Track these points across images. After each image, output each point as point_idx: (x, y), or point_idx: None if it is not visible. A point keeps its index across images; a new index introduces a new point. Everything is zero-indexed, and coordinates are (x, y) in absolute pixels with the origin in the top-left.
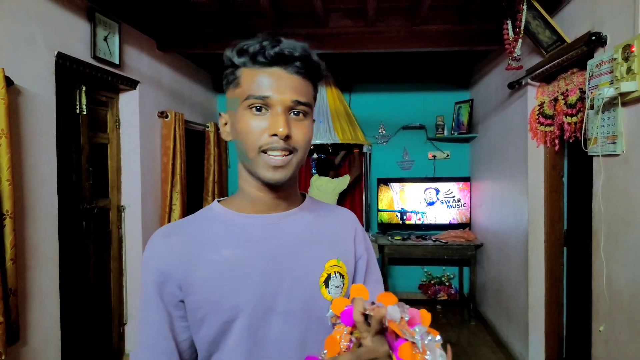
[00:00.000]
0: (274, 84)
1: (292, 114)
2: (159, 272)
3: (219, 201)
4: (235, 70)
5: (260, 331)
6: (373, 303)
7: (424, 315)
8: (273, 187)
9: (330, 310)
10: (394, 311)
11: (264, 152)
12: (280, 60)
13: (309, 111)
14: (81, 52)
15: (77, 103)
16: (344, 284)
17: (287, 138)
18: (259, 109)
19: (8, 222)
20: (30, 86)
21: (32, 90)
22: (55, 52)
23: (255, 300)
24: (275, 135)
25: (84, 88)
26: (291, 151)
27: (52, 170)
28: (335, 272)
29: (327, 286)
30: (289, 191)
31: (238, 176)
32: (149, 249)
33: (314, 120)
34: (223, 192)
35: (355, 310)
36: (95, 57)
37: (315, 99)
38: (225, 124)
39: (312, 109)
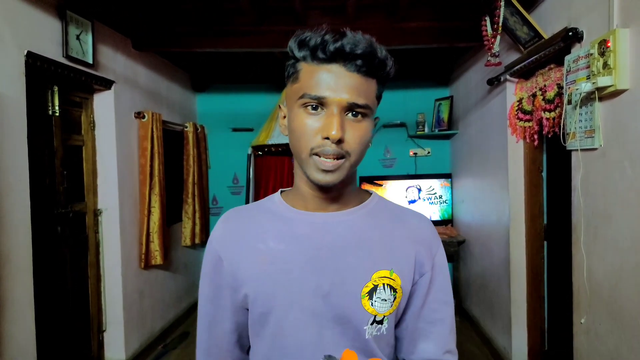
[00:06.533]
0: (332, 82)
1: (349, 114)
2: (215, 253)
3: (282, 191)
4: (295, 63)
5: (295, 330)
6: None
7: None
8: (324, 188)
9: None
10: None
11: (316, 154)
12: (341, 56)
13: (369, 112)
14: (52, 51)
15: (50, 104)
16: (395, 298)
17: (339, 142)
18: (314, 108)
19: None
20: None
21: (1, 91)
22: (25, 52)
23: (291, 298)
24: (327, 138)
25: (56, 89)
26: (343, 155)
27: (24, 174)
28: (384, 284)
29: (370, 297)
30: (341, 192)
31: (295, 171)
32: (214, 229)
33: (376, 118)
34: (204, 193)
35: None
36: (68, 57)
37: (379, 97)
38: (284, 117)
39: (374, 109)
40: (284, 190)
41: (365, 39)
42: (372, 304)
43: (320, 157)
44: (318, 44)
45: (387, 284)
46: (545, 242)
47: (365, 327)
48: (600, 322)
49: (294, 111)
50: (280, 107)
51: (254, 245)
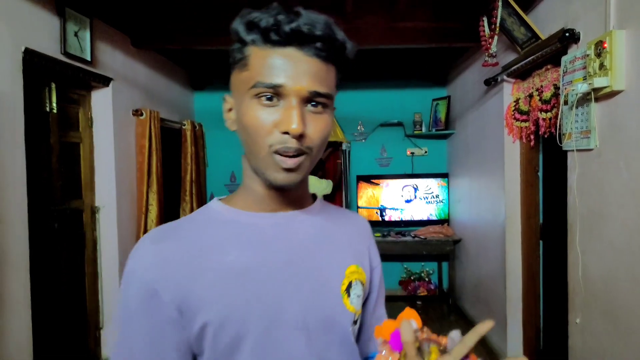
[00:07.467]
0: (289, 69)
1: (309, 105)
2: (146, 287)
3: (219, 199)
4: (242, 47)
5: (275, 351)
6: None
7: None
8: (283, 187)
9: (379, 338)
10: (457, 337)
11: (276, 152)
12: (297, 39)
13: (330, 103)
14: (50, 48)
15: (47, 101)
16: (362, 293)
17: (300, 137)
18: (269, 98)
19: None
20: None
21: None
22: (23, 48)
23: (269, 313)
24: (287, 133)
25: (53, 85)
26: (304, 152)
27: (22, 171)
28: (356, 279)
29: (349, 295)
30: (301, 190)
31: (242, 170)
32: (135, 257)
33: (334, 109)
34: (201, 191)
35: (405, 331)
36: (66, 54)
37: (338, 86)
38: (230, 109)
39: (333, 98)
40: (222, 198)
41: (323, 19)
42: (351, 301)
43: (280, 155)
44: (270, 24)
45: (358, 279)
46: (540, 242)
47: (350, 329)
48: (595, 321)
49: (245, 103)
50: (225, 99)
51: (208, 261)
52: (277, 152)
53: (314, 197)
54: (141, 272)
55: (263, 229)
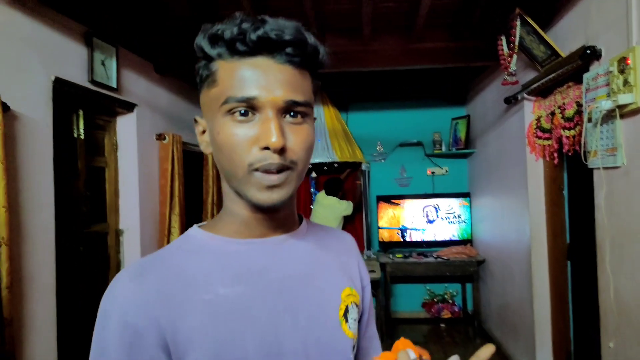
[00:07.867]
0: (261, 79)
1: (287, 116)
2: (127, 328)
3: (199, 226)
4: (209, 63)
5: None
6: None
7: None
8: (270, 208)
9: None
10: None
11: (256, 170)
12: (266, 46)
13: (309, 112)
14: (78, 76)
15: (75, 127)
16: (358, 316)
17: (282, 151)
18: (244, 113)
19: (4, 250)
20: (27, 111)
21: (29, 115)
22: (53, 77)
23: (267, 348)
24: (267, 148)
25: (81, 112)
26: (288, 167)
27: (50, 195)
28: (351, 302)
29: (346, 320)
30: (289, 211)
31: (223, 194)
32: (111, 296)
33: (314, 119)
34: None
35: None
36: (93, 81)
37: (316, 92)
38: (203, 131)
39: (313, 107)
40: (202, 225)
41: (291, 24)
42: (349, 327)
43: (261, 172)
44: (235, 34)
45: (353, 302)
46: (568, 262)
47: (351, 355)
48: (629, 345)
49: (218, 122)
50: (196, 120)
51: (195, 296)
52: (257, 170)
53: (299, 217)
54: (120, 312)
55: (252, 257)
